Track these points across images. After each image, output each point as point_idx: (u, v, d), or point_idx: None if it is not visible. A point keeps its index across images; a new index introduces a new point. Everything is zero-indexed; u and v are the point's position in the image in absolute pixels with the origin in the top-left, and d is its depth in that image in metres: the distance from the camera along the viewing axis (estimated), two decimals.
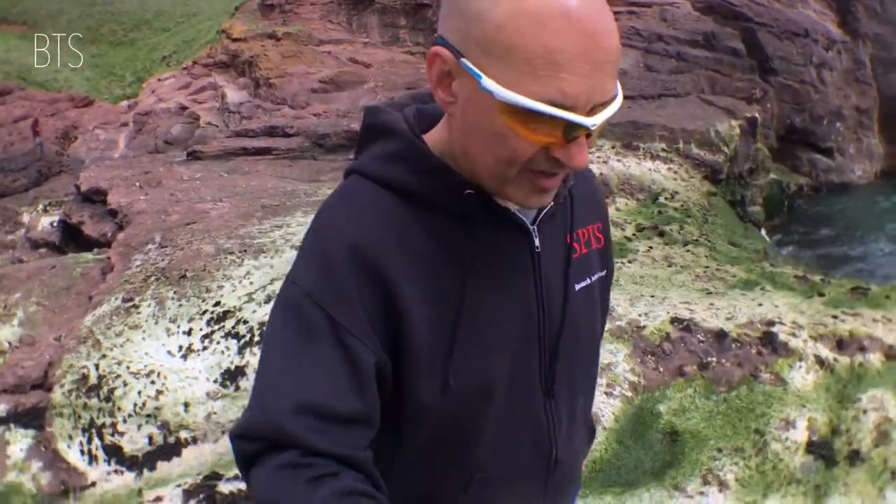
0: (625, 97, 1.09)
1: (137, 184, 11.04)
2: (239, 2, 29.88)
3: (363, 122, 1.21)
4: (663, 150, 13.94)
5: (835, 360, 4.76)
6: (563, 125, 0.97)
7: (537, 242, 1.18)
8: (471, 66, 0.98)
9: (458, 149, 1.11)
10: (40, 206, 14.68)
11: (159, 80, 29.13)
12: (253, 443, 1.03)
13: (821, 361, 4.74)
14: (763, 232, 15.48)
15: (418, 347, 1.09)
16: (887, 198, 20.58)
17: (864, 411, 4.28)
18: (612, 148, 12.46)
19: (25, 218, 14.79)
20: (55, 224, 12.97)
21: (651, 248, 7.88)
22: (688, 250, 8.09)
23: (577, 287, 1.26)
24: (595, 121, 0.97)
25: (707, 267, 7.17)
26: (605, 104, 0.99)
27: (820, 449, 4.12)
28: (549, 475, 1.27)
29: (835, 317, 5.34)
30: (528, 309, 1.18)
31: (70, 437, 4.51)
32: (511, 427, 1.20)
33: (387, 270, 1.06)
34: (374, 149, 1.17)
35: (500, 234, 1.15)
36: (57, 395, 4.65)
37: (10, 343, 6.47)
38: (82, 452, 4.47)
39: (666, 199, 11.30)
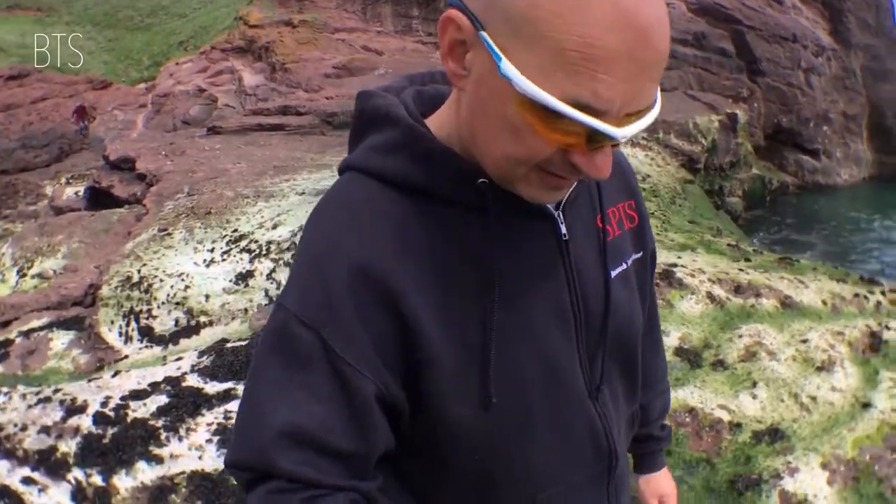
0: None
1: (163, 153, 12.29)
2: None
3: (355, 108, 1.06)
4: (643, 138, 14.67)
5: (727, 299, 4.98)
6: (589, 130, 0.82)
7: (563, 229, 1.03)
8: (490, 42, 0.82)
9: (465, 130, 0.95)
10: (63, 179, 15.53)
11: (177, 63, 29.83)
12: (244, 472, 0.97)
13: (712, 298, 4.97)
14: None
15: (441, 365, 0.95)
16: (871, 201, 21.43)
17: (740, 336, 4.49)
18: None
19: (48, 190, 15.64)
20: (80, 193, 13.89)
21: None
22: None
23: (613, 273, 1.11)
24: (626, 132, 0.83)
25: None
26: (640, 112, 0.84)
27: (687, 354, 4.31)
28: (611, 476, 1.15)
29: (741, 270, 5.70)
30: (561, 304, 1.03)
31: (112, 322, 5.65)
32: (565, 436, 1.07)
33: (393, 284, 0.92)
34: (369, 139, 1.02)
35: (520, 224, 1.00)
36: (105, 291, 5.86)
37: (54, 270, 7.70)
38: (120, 334, 5.58)
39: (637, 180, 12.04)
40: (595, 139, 0.83)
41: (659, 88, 0.88)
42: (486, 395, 0.98)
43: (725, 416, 3.78)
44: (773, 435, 3.67)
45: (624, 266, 1.15)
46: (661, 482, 1.51)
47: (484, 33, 0.83)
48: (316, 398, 0.93)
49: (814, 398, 3.95)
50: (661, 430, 1.48)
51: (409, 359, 0.95)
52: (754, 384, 4.03)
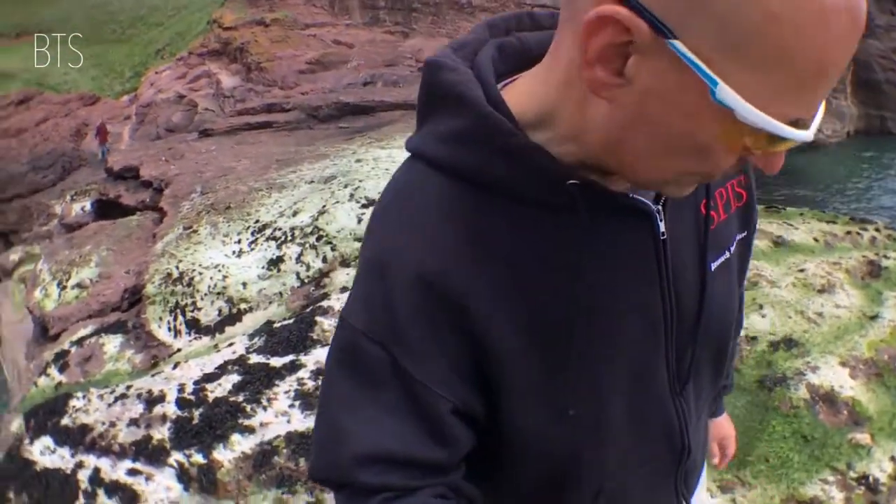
0: None
1: (163, 158, 12.71)
2: None
3: (423, 78, 0.88)
4: None
5: None
6: (778, 137, 0.67)
7: (662, 227, 0.89)
8: (696, 60, 0.63)
9: (594, 135, 0.76)
10: (68, 197, 15.79)
11: (156, 72, 30.02)
12: (329, 485, 0.93)
13: None
14: None
15: (515, 378, 0.86)
16: (855, 155, 21.91)
17: None
18: None
19: (57, 209, 15.77)
20: (87, 208, 14.29)
21: None
22: None
23: (713, 266, 0.99)
24: (812, 133, 0.69)
25: None
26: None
27: None
28: (678, 468, 1.08)
29: None
30: (652, 308, 0.92)
31: (160, 319, 6.00)
32: (640, 435, 1.00)
33: (463, 294, 0.82)
34: (438, 123, 0.86)
35: (612, 224, 0.86)
36: (150, 289, 6.24)
37: (90, 280, 8.06)
38: (169, 329, 5.92)
39: None
40: (780, 141, 0.68)
41: None
42: (563, 407, 0.90)
43: (741, 332, 4.14)
44: (788, 343, 4.02)
45: (726, 255, 1.02)
46: (722, 425, 1.53)
47: (679, 44, 0.64)
48: (392, 416, 0.86)
49: (820, 314, 4.30)
50: (727, 378, 1.42)
51: (483, 371, 0.87)
52: (761, 307, 4.38)
